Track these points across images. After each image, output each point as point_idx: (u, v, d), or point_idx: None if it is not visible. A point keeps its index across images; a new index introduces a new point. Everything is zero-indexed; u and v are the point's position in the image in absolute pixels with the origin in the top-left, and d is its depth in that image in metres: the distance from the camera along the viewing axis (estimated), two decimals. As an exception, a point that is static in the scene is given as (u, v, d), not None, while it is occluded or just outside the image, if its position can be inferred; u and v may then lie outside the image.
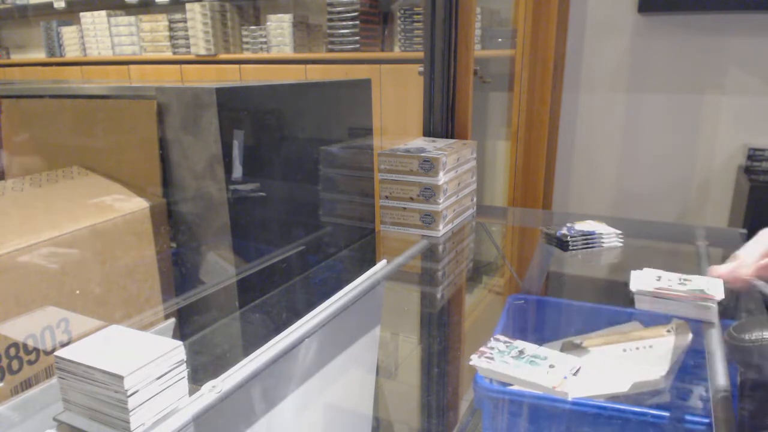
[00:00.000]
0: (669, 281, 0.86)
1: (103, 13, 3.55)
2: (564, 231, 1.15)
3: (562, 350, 0.80)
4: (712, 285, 0.84)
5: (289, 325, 0.74)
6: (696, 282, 0.86)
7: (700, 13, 2.06)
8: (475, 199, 1.41)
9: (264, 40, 3.10)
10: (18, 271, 0.73)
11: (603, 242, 1.15)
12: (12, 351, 0.73)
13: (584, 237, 1.14)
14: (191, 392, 0.58)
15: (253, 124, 0.94)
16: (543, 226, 1.26)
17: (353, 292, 0.85)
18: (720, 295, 0.82)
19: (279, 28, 3.02)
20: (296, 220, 1.09)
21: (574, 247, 1.13)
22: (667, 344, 0.80)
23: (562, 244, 1.14)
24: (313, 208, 1.14)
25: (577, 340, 0.83)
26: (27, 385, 0.75)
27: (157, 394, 0.54)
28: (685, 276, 0.88)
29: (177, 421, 0.55)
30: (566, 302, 0.95)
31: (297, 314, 0.77)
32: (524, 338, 0.77)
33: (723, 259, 1.21)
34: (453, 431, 0.95)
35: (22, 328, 0.74)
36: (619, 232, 1.16)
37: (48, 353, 0.77)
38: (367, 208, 1.29)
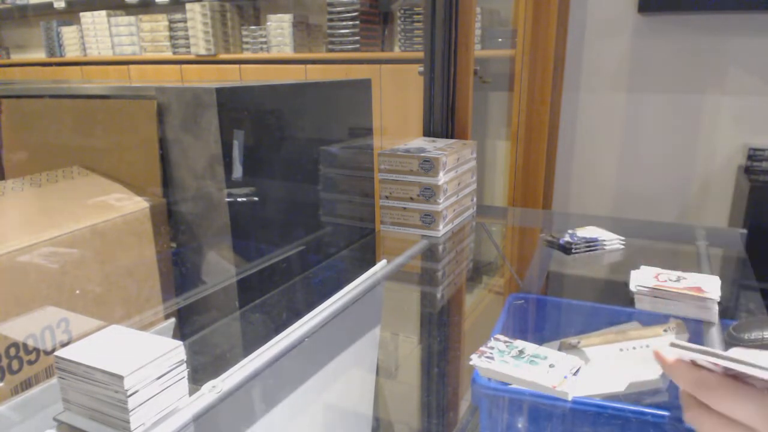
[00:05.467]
0: (667, 279, 0.87)
1: (103, 13, 3.55)
2: (567, 239, 1.15)
3: (559, 350, 0.80)
4: (708, 282, 0.85)
5: (289, 325, 0.74)
6: (692, 279, 0.87)
7: (700, 13, 2.06)
8: (475, 199, 1.41)
9: (264, 40, 3.10)
10: (18, 271, 0.73)
11: (605, 246, 1.15)
12: (12, 351, 0.73)
13: (587, 242, 1.14)
14: (191, 392, 0.58)
15: (253, 124, 0.94)
16: (544, 233, 1.26)
17: (353, 292, 0.85)
18: (717, 293, 0.83)
19: (279, 28, 3.02)
20: (296, 220, 1.09)
21: (577, 251, 1.13)
22: (665, 344, 0.80)
23: (566, 250, 1.14)
24: (313, 208, 1.14)
25: (573, 340, 0.83)
26: (27, 385, 0.75)
27: (157, 394, 0.54)
28: (682, 274, 0.89)
29: (177, 421, 0.55)
30: (566, 302, 0.95)
31: (297, 314, 0.77)
32: (524, 338, 0.77)
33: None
34: (453, 431, 0.95)
35: (22, 328, 0.74)
36: (622, 238, 1.15)
37: (48, 353, 0.77)
38: (367, 208, 1.29)
